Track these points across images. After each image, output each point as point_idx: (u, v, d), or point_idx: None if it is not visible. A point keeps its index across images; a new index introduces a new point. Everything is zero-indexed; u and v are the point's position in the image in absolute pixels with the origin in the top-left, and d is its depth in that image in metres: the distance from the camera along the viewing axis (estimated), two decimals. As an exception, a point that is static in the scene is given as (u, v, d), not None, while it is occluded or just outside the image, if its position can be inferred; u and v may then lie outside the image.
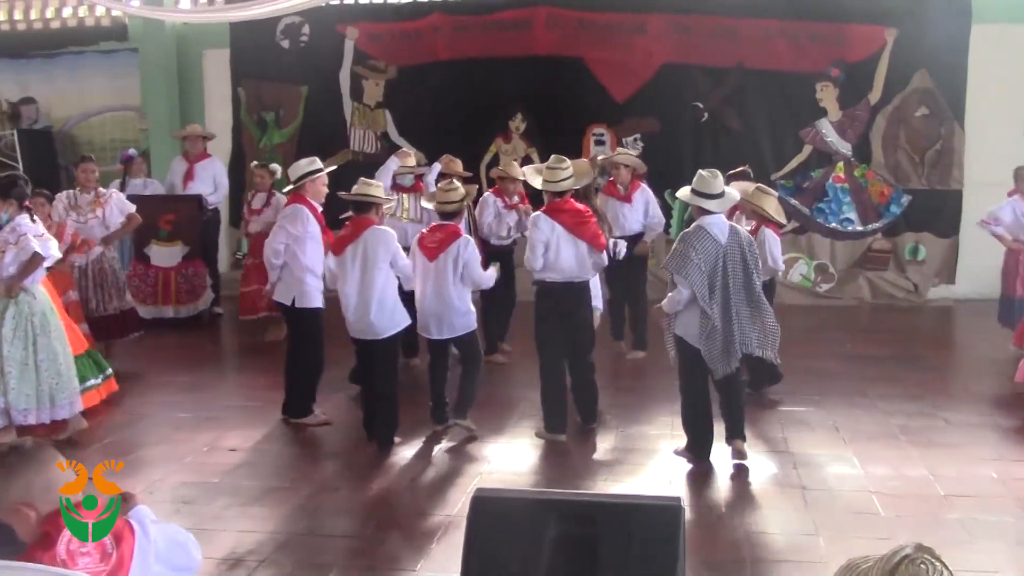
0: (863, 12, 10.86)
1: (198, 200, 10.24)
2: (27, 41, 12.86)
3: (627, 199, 8.21)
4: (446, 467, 6.04)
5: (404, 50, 11.78)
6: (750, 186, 7.17)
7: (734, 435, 5.93)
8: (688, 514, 2.99)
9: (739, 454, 5.87)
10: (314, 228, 6.62)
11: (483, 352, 6.87)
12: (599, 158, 8.87)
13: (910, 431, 6.47)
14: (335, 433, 6.69)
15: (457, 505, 5.26)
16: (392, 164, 7.98)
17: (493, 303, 8.02)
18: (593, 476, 5.87)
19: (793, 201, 11.17)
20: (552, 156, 6.38)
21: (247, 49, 12.13)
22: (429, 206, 6.63)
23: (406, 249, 6.45)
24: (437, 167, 8.16)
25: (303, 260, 6.57)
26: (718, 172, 5.87)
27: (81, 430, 6.54)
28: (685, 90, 11.21)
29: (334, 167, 7.45)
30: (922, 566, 1.79)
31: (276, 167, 9.68)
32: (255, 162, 9.66)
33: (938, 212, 11.01)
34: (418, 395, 7.35)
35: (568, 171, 6.22)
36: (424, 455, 6.21)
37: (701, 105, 11.22)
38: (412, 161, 8.18)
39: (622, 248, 7.04)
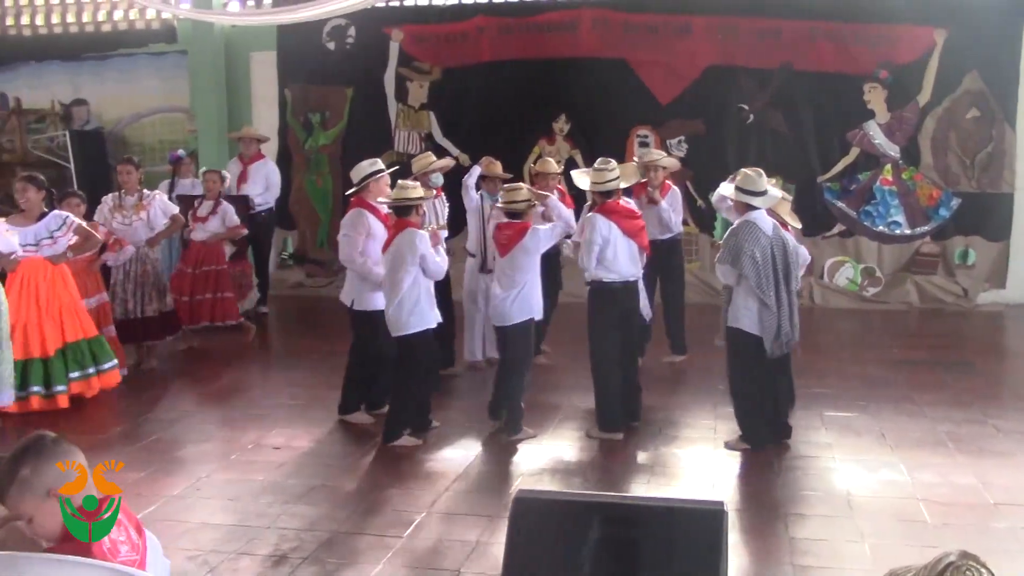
0: (912, 13, 10.71)
1: (245, 201, 10.35)
2: (80, 44, 13.08)
3: (655, 202, 8.12)
4: (488, 468, 6.05)
5: (449, 52, 11.83)
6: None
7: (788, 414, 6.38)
8: (731, 518, 2.96)
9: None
10: (377, 229, 6.61)
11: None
12: (636, 159, 8.83)
13: (959, 438, 6.37)
14: (379, 433, 6.72)
15: (499, 506, 5.27)
16: (476, 171, 8.07)
17: None
18: (635, 478, 5.86)
19: (840, 204, 11.05)
20: (599, 158, 6.47)
21: (294, 51, 12.24)
22: (499, 206, 6.69)
23: None
24: (477, 170, 8.16)
25: (365, 263, 6.61)
26: (762, 171, 6.16)
27: None
28: (730, 92, 11.13)
29: (396, 167, 7.48)
30: (967, 573, 1.76)
31: (227, 174, 9.80)
32: (204, 167, 9.65)
33: (988, 215, 10.83)
34: (459, 398, 7.41)
35: (615, 172, 6.36)
36: (467, 456, 6.23)
37: (746, 107, 11.14)
38: (498, 168, 8.13)
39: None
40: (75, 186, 11.36)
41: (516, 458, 6.19)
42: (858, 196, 11.07)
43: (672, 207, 8.10)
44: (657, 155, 8.24)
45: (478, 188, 8.08)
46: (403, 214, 6.27)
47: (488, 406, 6.70)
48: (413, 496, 5.54)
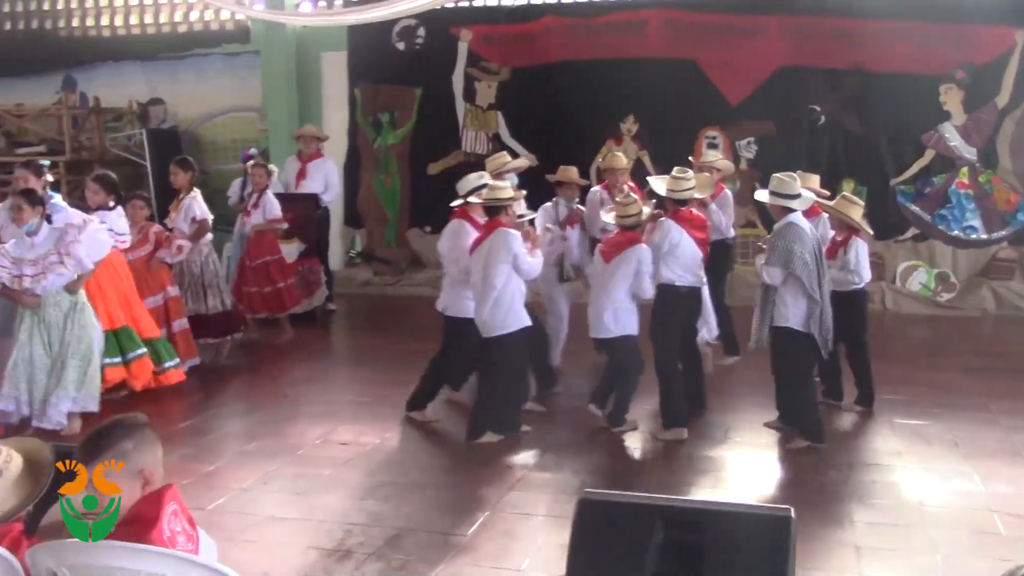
0: (990, 12, 10.44)
1: (315, 199, 10.50)
2: (156, 44, 13.37)
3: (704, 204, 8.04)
4: (554, 468, 6.05)
5: (517, 52, 11.84)
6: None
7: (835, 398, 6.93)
8: (796, 525, 2.92)
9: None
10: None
11: None
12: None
13: (1035, 448, 6.21)
14: (445, 431, 6.77)
15: (563, 506, 5.27)
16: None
17: None
18: (699, 482, 5.81)
19: (913, 207, 10.83)
20: (676, 168, 6.67)
21: (363, 51, 12.37)
22: (610, 220, 6.74)
23: None
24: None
25: (458, 272, 6.65)
26: (794, 175, 6.40)
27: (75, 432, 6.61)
28: (801, 93, 10.96)
29: (512, 183, 7.49)
30: (1041, 586, 1.72)
31: (273, 168, 9.82)
32: (251, 161, 9.69)
33: (1070, 220, 10.53)
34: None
35: (691, 181, 6.53)
36: (533, 455, 6.24)
37: (818, 108, 10.97)
38: (574, 174, 8.08)
39: None
40: (151, 183, 11.68)
41: (582, 459, 6.18)
42: (933, 199, 10.83)
43: (721, 209, 8.01)
44: (713, 156, 8.28)
45: (554, 196, 8.04)
46: (494, 214, 6.34)
47: (592, 393, 6.82)
48: (478, 494, 5.56)
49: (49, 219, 6.62)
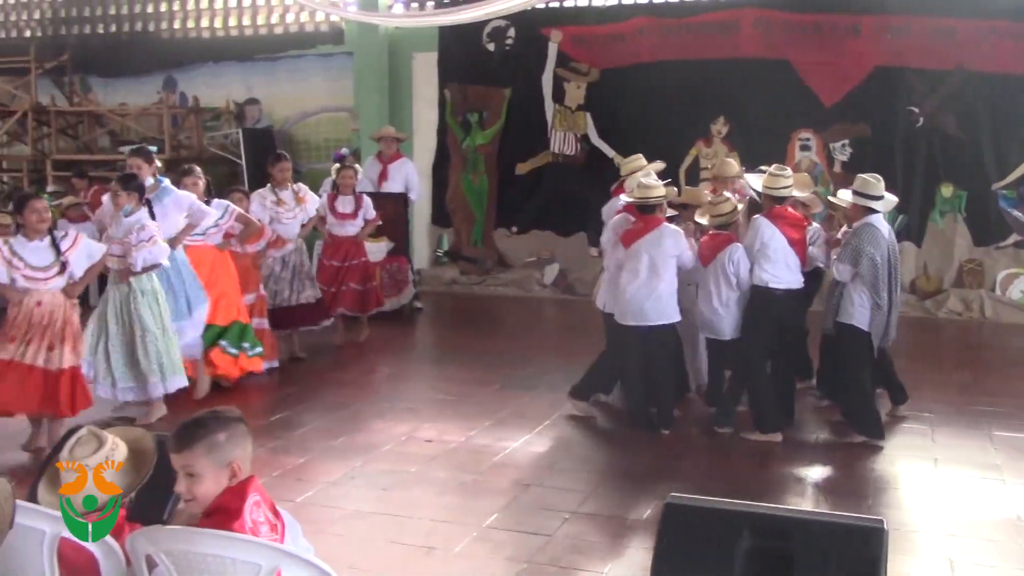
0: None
1: (404, 198, 10.63)
2: (253, 45, 13.70)
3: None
4: (637, 471, 6.02)
5: (607, 52, 11.81)
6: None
7: (899, 401, 6.88)
8: (889, 537, 2.85)
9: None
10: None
11: None
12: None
13: None
14: (530, 429, 6.79)
15: (647, 510, 5.24)
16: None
17: None
18: (788, 490, 5.71)
19: (1016, 212, 10.49)
20: (775, 164, 6.59)
21: (454, 52, 12.48)
22: (703, 220, 6.74)
23: None
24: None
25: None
26: (879, 176, 6.36)
27: (162, 416, 6.81)
28: (898, 94, 10.71)
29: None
30: None
31: (359, 167, 9.82)
32: (337, 164, 9.71)
33: None
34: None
35: (789, 179, 6.46)
36: (620, 456, 6.22)
37: (916, 110, 10.70)
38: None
39: None
40: (246, 181, 11.94)
41: (669, 463, 6.13)
42: (1036, 205, 10.48)
43: (813, 243, 7.91)
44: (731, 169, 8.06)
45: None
46: (648, 211, 6.48)
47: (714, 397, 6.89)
48: (562, 494, 5.56)
49: (150, 204, 6.82)
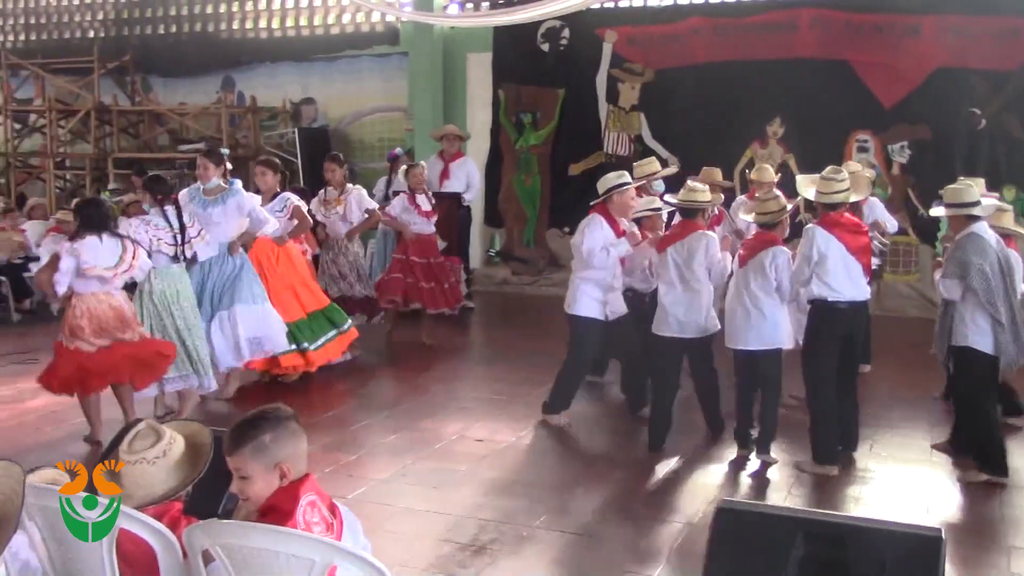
0: None
1: (457, 198, 10.66)
2: (310, 46, 13.86)
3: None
4: (687, 475, 5.98)
5: (662, 53, 11.75)
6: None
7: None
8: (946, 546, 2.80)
9: None
10: (609, 238, 6.58)
11: None
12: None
13: None
14: (578, 432, 6.78)
15: (697, 515, 5.20)
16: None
17: None
18: (843, 496, 5.63)
19: (1081, 218, 10.23)
20: (829, 167, 6.07)
21: (508, 52, 12.50)
22: (748, 218, 6.55)
23: None
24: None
25: (583, 270, 6.68)
26: (969, 181, 6.09)
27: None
28: (960, 95, 10.50)
29: (642, 182, 7.44)
30: None
31: (424, 164, 9.80)
32: (405, 165, 9.67)
33: None
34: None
35: (844, 183, 5.91)
36: (669, 461, 6.18)
37: (978, 111, 10.49)
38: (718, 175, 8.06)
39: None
40: (301, 180, 12.08)
41: (719, 467, 6.08)
42: (1103, 209, 10.22)
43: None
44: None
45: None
46: (690, 216, 6.29)
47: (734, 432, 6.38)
48: (612, 496, 5.55)
49: (177, 205, 6.92)
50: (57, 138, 14.42)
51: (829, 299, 5.80)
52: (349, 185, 9.04)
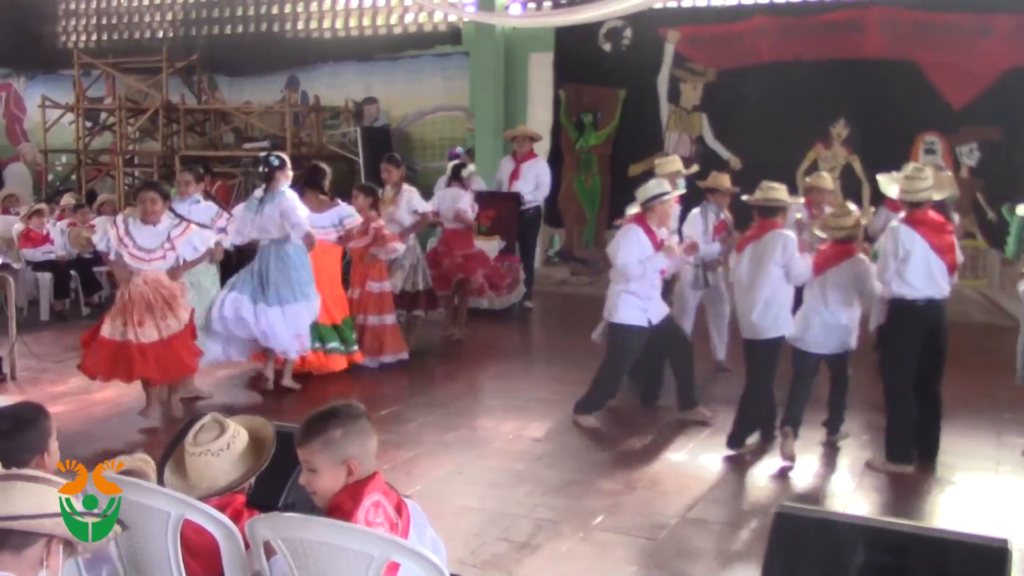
0: None
1: (516, 198, 10.69)
2: (373, 46, 13.99)
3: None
4: (746, 480, 5.93)
5: (725, 53, 11.65)
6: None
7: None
8: (1015, 558, 2.74)
9: None
10: (645, 251, 6.56)
11: None
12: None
13: None
14: (638, 433, 6.75)
15: (754, 520, 5.15)
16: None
17: None
18: (905, 505, 5.54)
19: None
20: (911, 166, 6.00)
21: (570, 52, 12.49)
22: (822, 233, 6.50)
23: None
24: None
25: (620, 282, 6.65)
26: None
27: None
28: (1033, 96, 10.26)
29: (681, 191, 7.39)
30: None
31: (472, 167, 9.76)
32: (451, 163, 9.67)
33: None
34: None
35: (927, 181, 5.82)
36: (728, 464, 6.13)
37: (1052, 112, 10.23)
38: (727, 181, 7.99)
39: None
40: (363, 178, 12.19)
41: (779, 472, 6.02)
42: None
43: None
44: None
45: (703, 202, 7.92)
46: (768, 215, 6.19)
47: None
48: (669, 499, 5.52)
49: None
50: (126, 136, 14.74)
51: (907, 297, 5.77)
52: (404, 186, 9.08)
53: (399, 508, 2.84)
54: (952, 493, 5.72)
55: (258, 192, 7.68)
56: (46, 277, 10.65)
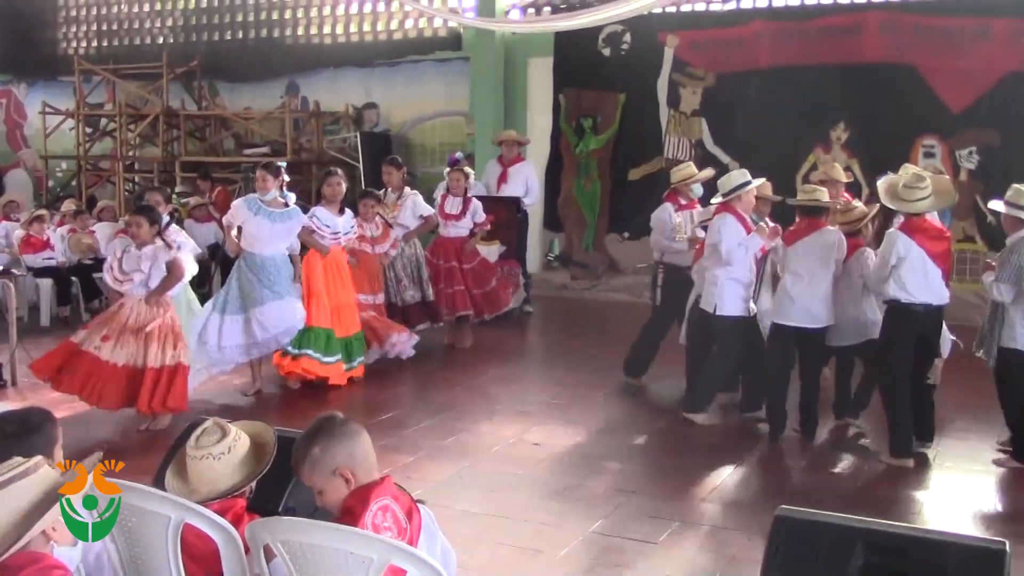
0: None
1: (516, 202, 10.70)
2: (373, 51, 14.02)
3: None
4: (746, 482, 5.94)
5: (724, 57, 11.68)
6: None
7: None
8: (1013, 561, 2.75)
9: None
10: (741, 233, 6.67)
11: None
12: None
13: None
14: (638, 436, 6.76)
15: (757, 521, 5.15)
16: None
17: None
18: (904, 507, 5.54)
19: None
20: (911, 173, 6.11)
21: (570, 57, 12.52)
22: (833, 228, 6.63)
23: None
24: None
25: (726, 268, 6.69)
26: None
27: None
28: (1032, 100, 10.28)
29: (762, 180, 7.41)
30: None
31: (469, 170, 9.70)
32: (448, 168, 9.63)
33: None
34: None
35: (926, 190, 5.92)
36: (728, 467, 6.14)
37: (1051, 116, 10.24)
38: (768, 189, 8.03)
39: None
40: (363, 184, 12.22)
41: (780, 475, 6.03)
42: None
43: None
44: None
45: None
46: (813, 214, 6.39)
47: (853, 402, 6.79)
48: (670, 503, 5.52)
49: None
50: (127, 142, 14.77)
51: (903, 300, 5.95)
52: (407, 190, 9.12)
53: (410, 513, 2.84)
54: (950, 495, 5.72)
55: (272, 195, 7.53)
56: (46, 283, 10.66)
